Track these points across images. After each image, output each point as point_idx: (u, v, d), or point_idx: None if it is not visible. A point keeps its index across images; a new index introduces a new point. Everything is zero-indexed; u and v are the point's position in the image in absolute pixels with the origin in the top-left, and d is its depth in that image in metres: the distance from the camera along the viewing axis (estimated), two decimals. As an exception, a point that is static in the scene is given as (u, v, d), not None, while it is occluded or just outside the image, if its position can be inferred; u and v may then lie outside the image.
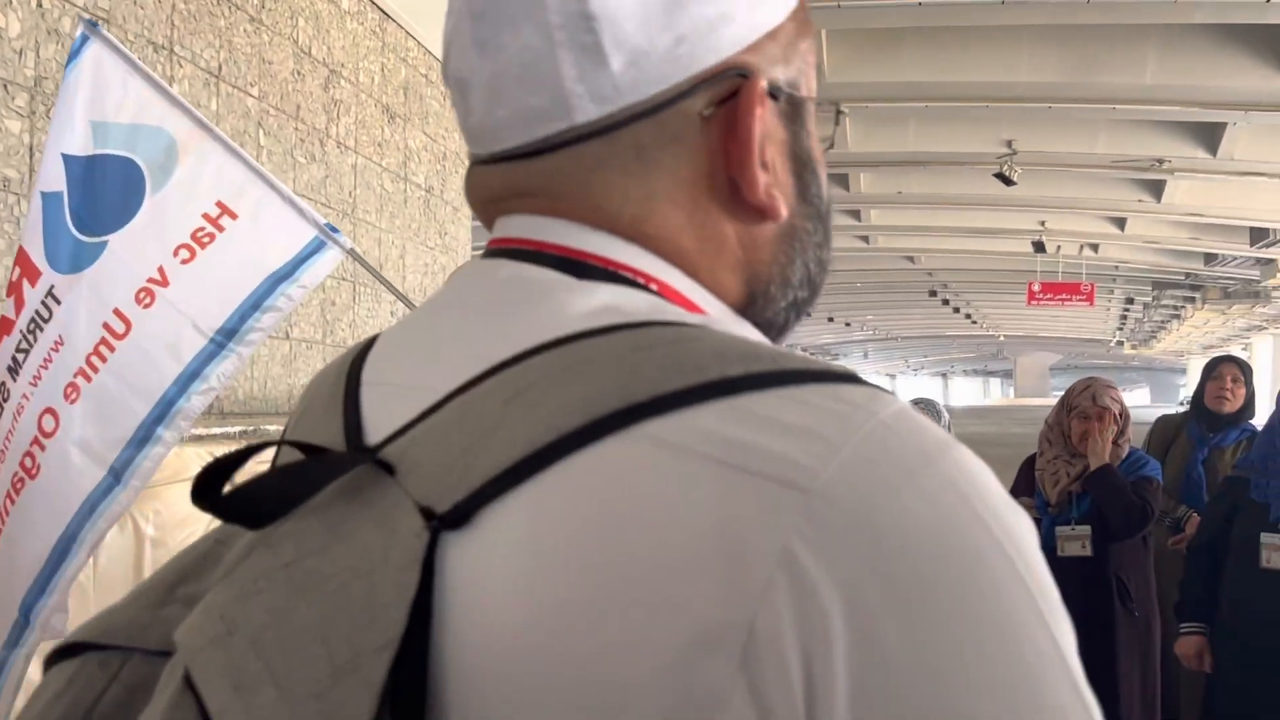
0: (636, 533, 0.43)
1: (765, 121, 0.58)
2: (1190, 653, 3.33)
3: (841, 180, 19.29)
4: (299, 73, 5.33)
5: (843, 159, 16.70)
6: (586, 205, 0.57)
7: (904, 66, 12.34)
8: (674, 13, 0.55)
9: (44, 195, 2.03)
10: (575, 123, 0.56)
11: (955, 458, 0.46)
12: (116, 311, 1.95)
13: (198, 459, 2.88)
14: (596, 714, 0.42)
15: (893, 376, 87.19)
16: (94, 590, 2.81)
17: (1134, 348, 49.83)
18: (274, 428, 3.46)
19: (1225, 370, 4.21)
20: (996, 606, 0.44)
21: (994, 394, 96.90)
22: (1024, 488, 3.70)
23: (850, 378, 0.50)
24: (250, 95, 4.35)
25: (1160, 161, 15.44)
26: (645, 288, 0.56)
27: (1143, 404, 55.89)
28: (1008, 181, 15.18)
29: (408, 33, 6.50)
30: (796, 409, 0.46)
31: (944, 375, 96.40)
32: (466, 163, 0.64)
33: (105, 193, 2.02)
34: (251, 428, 3.35)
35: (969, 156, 15.90)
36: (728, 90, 0.57)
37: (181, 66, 3.76)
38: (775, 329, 0.64)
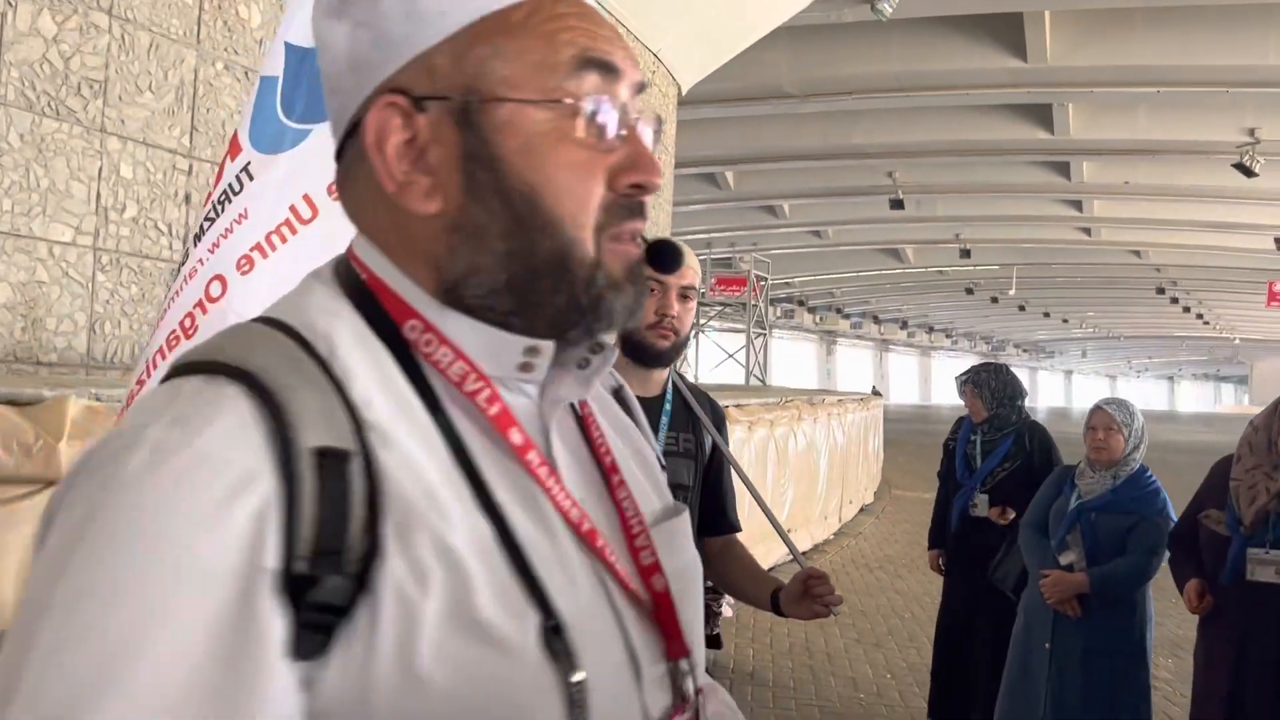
0: None
1: (419, 127, 0.71)
2: None
3: (1061, 169, 18.39)
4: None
5: (1064, 146, 15.93)
6: (350, 208, 0.77)
7: (1134, 49, 11.63)
8: (353, 60, 0.74)
9: (262, 79, 2.09)
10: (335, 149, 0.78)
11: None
12: (306, 197, 1.97)
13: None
14: None
15: (1113, 378, 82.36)
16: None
17: (1394, 358, 45.27)
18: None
19: None
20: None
21: (1226, 400, 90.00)
22: (1215, 497, 3.27)
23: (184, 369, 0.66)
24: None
25: None
26: (356, 275, 0.74)
27: (1402, 420, 50.47)
28: (1249, 173, 14.11)
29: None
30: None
31: (1170, 379, 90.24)
32: None
33: (318, 85, 2.09)
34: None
35: (1205, 145, 14.84)
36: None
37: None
38: (522, 313, 0.72)
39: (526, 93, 0.70)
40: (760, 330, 19.98)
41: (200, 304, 1.94)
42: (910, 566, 8.42)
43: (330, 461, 0.62)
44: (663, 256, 0.83)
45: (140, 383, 2.01)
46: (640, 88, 0.76)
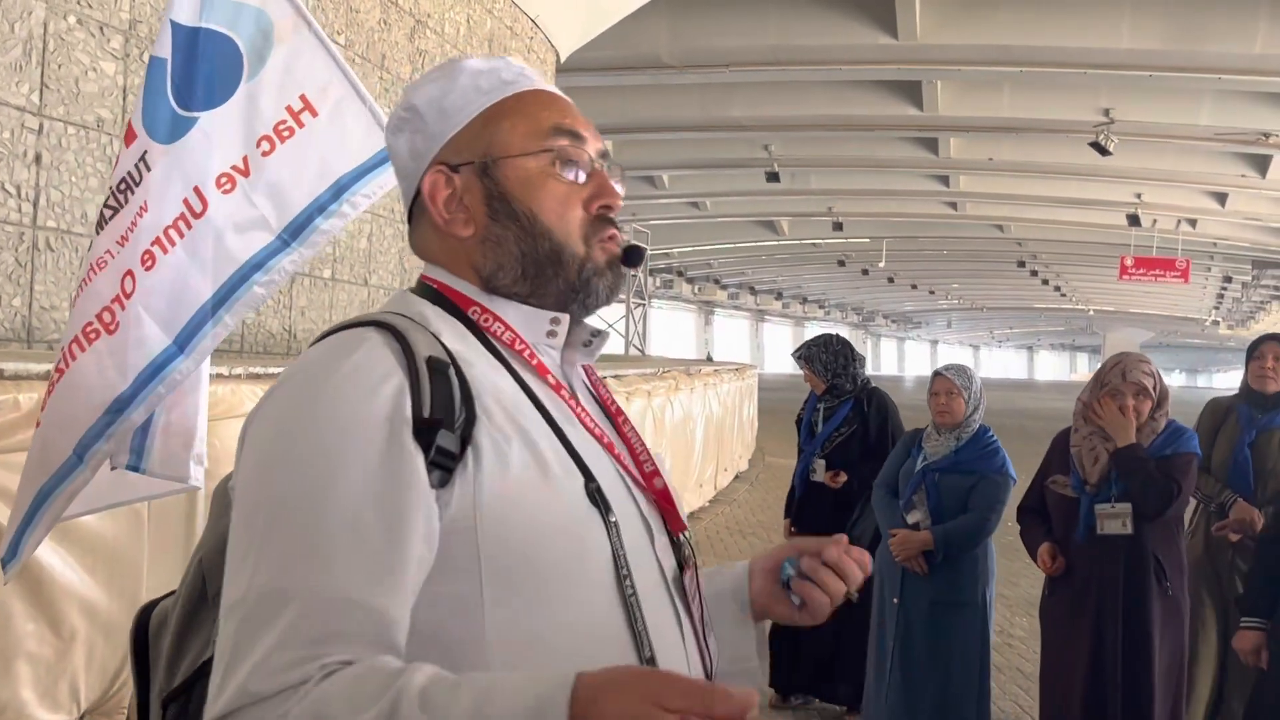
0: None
1: (456, 184, 1.09)
2: (1247, 648, 3.10)
3: (930, 144, 18.91)
4: (385, 22, 5.45)
5: (932, 123, 16.37)
6: (419, 250, 1.16)
7: (999, 29, 12.02)
8: (413, 153, 1.12)
9: (152, 59, 2.07)
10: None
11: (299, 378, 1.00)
12: (197, 190, 2.00)
13: (252, 396, 3.02)
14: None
15: (976, 348, 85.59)
16: (148, 511, 2.95)
17: (1230, 328, 48.12)
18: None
19: (1267, 349, 4.07)
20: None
21: (1081, 369, 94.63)
22: (1057, 465, 3.54)
23: (345, 326, 1.02)
24: (336, 43, 4.47)
25: (1267, 135, 14.85)
26: (430, 286, 1.10)
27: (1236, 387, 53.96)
28: (1103, 151, 14.75)
29: (493, -16, 6.57)
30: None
31: (1030, 348, 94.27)
32: None
33: (203, 69, 2.06)
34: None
35: (1064, 124, 15.46)
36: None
37: (269, 14, 3.90)
38: (537, 294, 1.09)
39: (518, 150, 1.09)
40: (640, 301, 20.08)
41: (118, 299, 1.97)
42: (784, 532, 8.61)
43: (436, 364, 0.98)
44: (631, 255, 1.14)
45: (60, 370, 2.01)
46: (604, 154, 1.13)
